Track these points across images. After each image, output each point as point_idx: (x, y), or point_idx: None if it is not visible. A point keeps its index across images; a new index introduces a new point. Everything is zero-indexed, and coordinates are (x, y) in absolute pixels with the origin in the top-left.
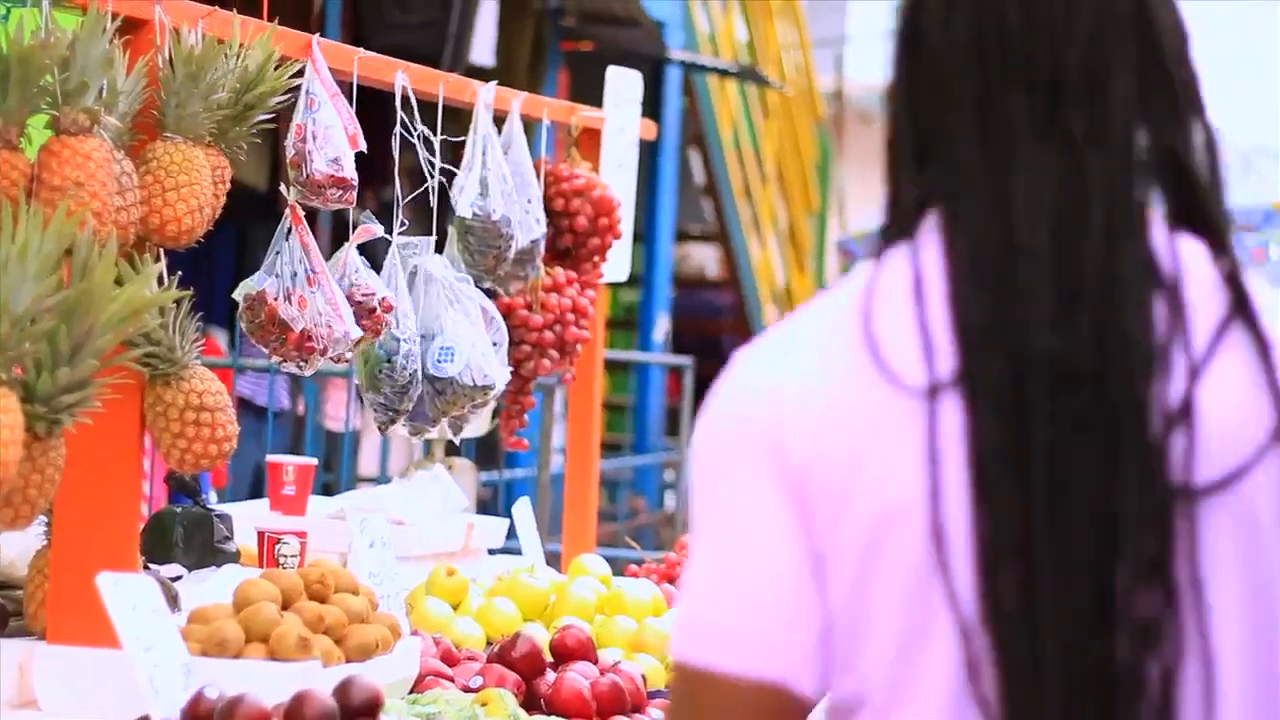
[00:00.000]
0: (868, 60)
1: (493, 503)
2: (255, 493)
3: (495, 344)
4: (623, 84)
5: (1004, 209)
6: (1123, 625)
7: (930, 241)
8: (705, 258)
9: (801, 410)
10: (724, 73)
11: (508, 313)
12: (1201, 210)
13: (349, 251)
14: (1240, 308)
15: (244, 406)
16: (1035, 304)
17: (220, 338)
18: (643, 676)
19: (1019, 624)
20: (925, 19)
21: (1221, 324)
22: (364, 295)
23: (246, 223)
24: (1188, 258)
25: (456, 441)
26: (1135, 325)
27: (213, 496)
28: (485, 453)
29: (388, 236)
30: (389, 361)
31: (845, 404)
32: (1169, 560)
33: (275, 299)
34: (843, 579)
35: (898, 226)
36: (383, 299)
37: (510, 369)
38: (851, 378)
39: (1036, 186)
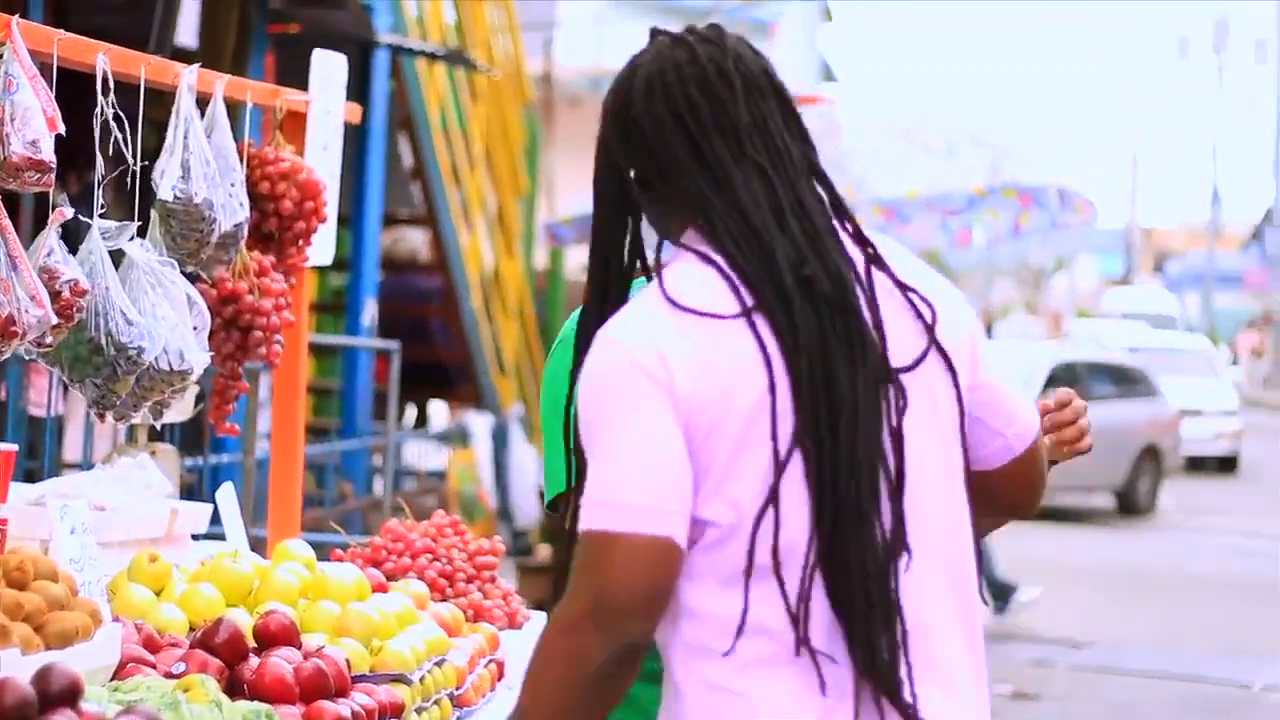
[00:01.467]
0: (576, 45)
1: (198, 488)
2: None
3: (196, 329)
4: (328, 67)
5: (740, 208)
6: (869, 449)
7: (695, 240)
8: (418, 241)
9: (680, 357)
10: (432, 56)
11: (232, 297)
12: (838, 196)
13: (49, 235)
14: (876, 259)
15: None
16: (778, 258)
17: None
18: (346, 661)
19: (818, 440)
20: (634, 109)
21: (866, 268)
22: (53, 279)
23: None
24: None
25: (159, 427)
26: (844, 264)
27: None
28: (190, 438)
29: (88, 220)
30: (138, 349)
31: (703, 344)
32: (891, 410)
33: None
34: (723, 447)
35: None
36: (72, 281)
37: (210, 354)
38: (695, 328)
39: (753, 192)
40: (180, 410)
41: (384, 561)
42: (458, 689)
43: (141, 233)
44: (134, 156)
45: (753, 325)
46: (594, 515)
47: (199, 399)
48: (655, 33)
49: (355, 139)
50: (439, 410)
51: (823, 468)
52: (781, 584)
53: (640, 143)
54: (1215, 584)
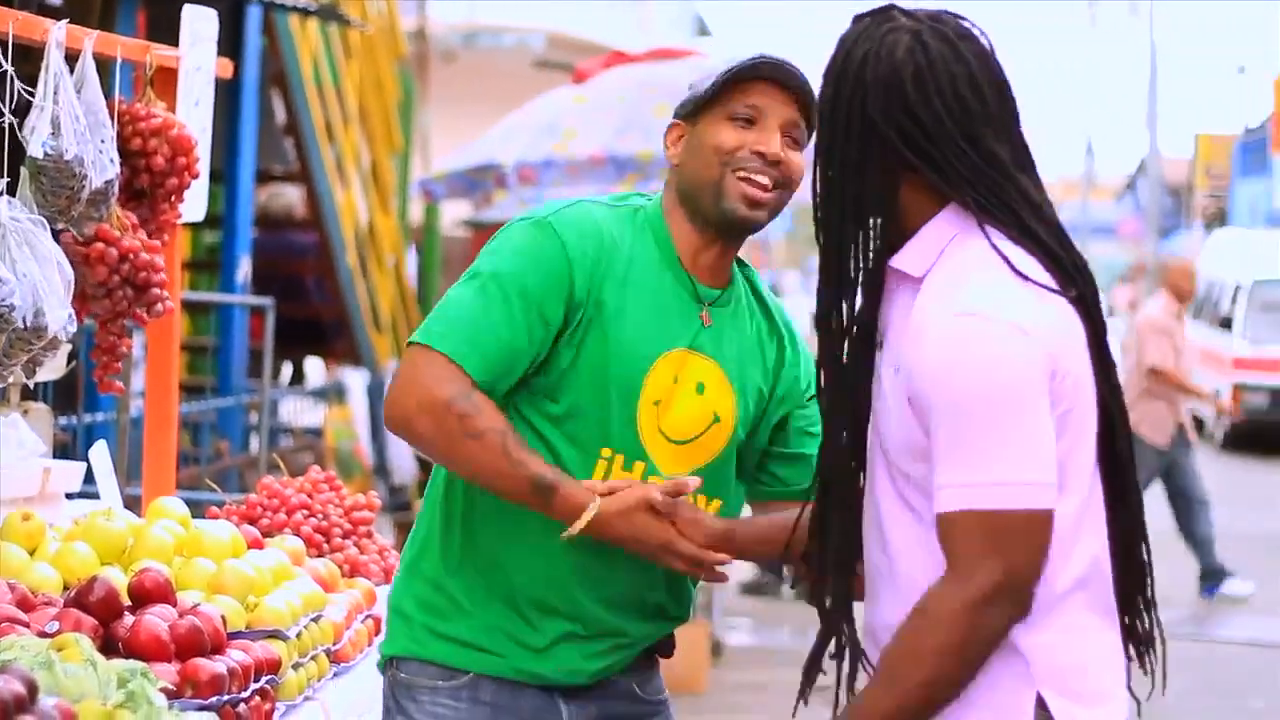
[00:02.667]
0: (450, 1)
1: (73, 447)
2: None
3: (63, 287)
4: (198, 22)
5: (1026, 207)
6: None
7: (968, 221)
8: (294, 198)
9: (1055, 343)
10: (304, 11)
11: (129, 254)
12: None
13: None
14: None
15: None
16: (1071, 255)
17: None
18: (222, 617)
19: (1111, 414)
20: (912, 98)
21: None
22: None
23: None
24: None
25: (31, 385)
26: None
27: None
28: (64, 397)
29: None
30: (10, 307)
31: (1063, 324)
32: None
33: None
34: (1075, 421)
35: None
36: None
37: (69, 312)
38: (1057, 309)
39: (1026, 183)
40: (53, 369)
41: (260, 518)
42: (334, 644)
43: (11, 190)
44: (5, 113)
45: (1081, 308)
46: (1012, 496)
47: (71, 357)
48: (886, 11)
49: (228, 95)
50: (315, 367)
51: (1116, 442)
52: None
53: (920, 130)
54: None
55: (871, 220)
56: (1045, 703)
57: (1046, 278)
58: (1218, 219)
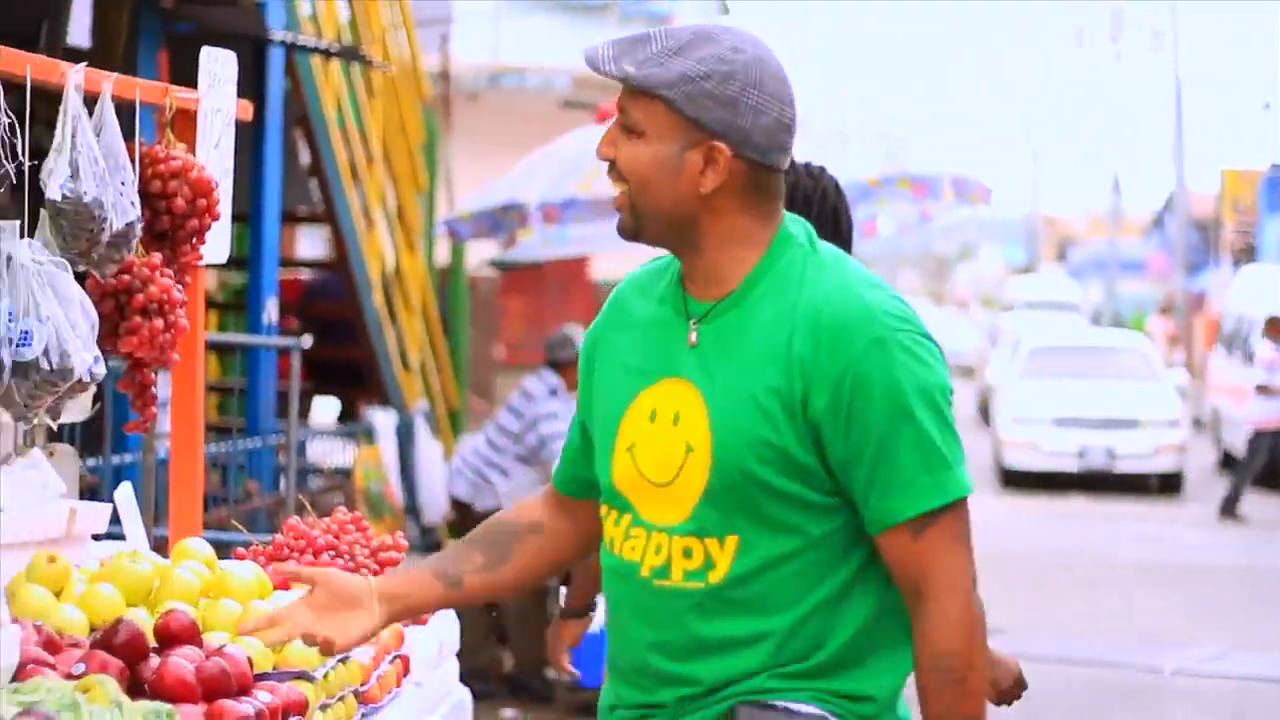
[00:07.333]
0: (474, 40)
1: (101, 489)
2: None
3: (87, 328)
4: (216, 64)
5: None
6: None
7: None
8: (319, 239)
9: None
10: (326, 53)
11: (165, 296)
12: None
13: None
14: None
15: None
16: None
17: None
18: (249, 659)
19: None
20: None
21: None
22: None
23: None
24: None
25: (55, 427)
26: None
27: None
28: (91, 438)
29: None
30: (32, 357)
31: None
32: None
33: None
34: None
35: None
36: None
37: (95, 354)
38: None
39: None
40: (78, 410)
41: (286, 559)
42: (362, 685)
43: (31, 232)
44: (24, 156)
45: None
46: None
47: (97, 399)
48: None
49: (252, 137)
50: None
51: None
52: None
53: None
54: (1122, 568)
55: None
56: None
57: None
58: (1246, 254)
